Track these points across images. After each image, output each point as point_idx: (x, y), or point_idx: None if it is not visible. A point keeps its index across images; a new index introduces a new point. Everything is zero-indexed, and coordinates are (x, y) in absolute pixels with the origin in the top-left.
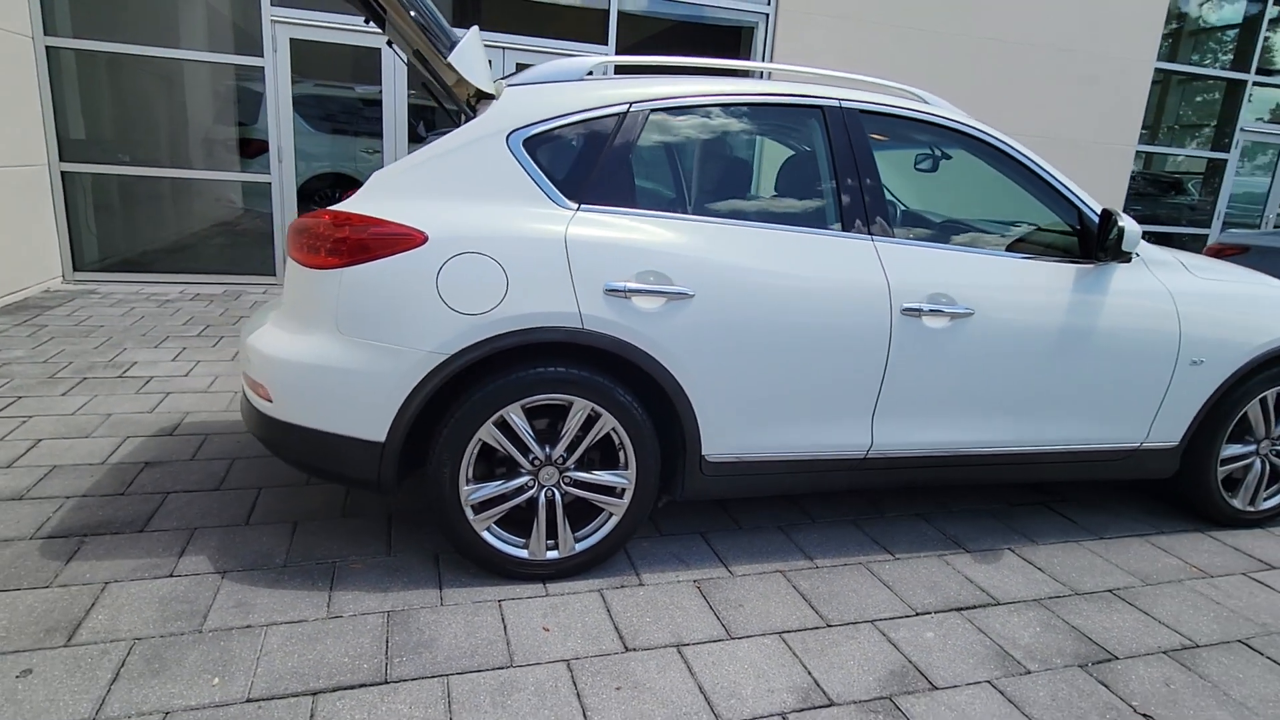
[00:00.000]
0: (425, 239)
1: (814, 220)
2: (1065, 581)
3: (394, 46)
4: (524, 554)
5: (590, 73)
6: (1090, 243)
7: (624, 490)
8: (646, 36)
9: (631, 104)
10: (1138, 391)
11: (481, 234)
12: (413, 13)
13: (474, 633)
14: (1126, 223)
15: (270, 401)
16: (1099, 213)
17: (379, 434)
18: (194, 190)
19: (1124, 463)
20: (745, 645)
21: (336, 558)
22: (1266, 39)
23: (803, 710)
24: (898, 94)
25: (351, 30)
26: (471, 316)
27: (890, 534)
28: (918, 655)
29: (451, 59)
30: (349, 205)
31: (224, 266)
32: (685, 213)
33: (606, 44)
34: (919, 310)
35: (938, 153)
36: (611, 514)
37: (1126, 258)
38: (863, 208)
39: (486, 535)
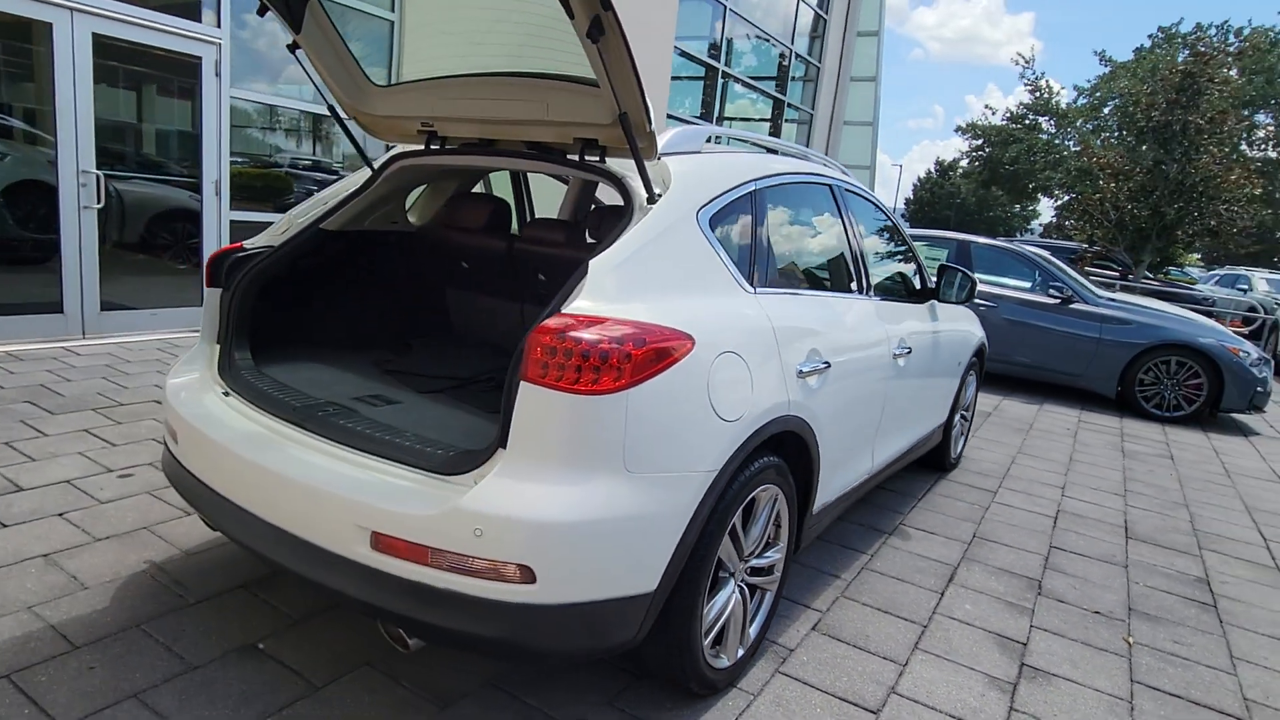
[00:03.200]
0: (694, 343)
1: (848, 285)
2: (952, 536)
3: (298, 54)
4: (726, 661)
5: (708, 141)
6: (925, 289)
7: (775, 565)
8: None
9: (756, 180)
10: (946, 389)
11: (729, 330)
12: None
13: None
14: (976, 278)
15: (533, 584)
16: (936, 269)
17: (650, 583)
18: None
19: (930, 441)
20: (918, 666)
21: None
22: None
23: (1009, 697)
24: (823, 162)
25: None
26: (734, 423)
27: (840, 535)
28: (988, 625)
29: (654, 127)
30: (592, 306)
31: None
32: (803, 287)
33: (200, 20)
34: (898, 353)
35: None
36: (767, 592)
37: (971, 302)
38: (866, 272)
39: (708, 655)
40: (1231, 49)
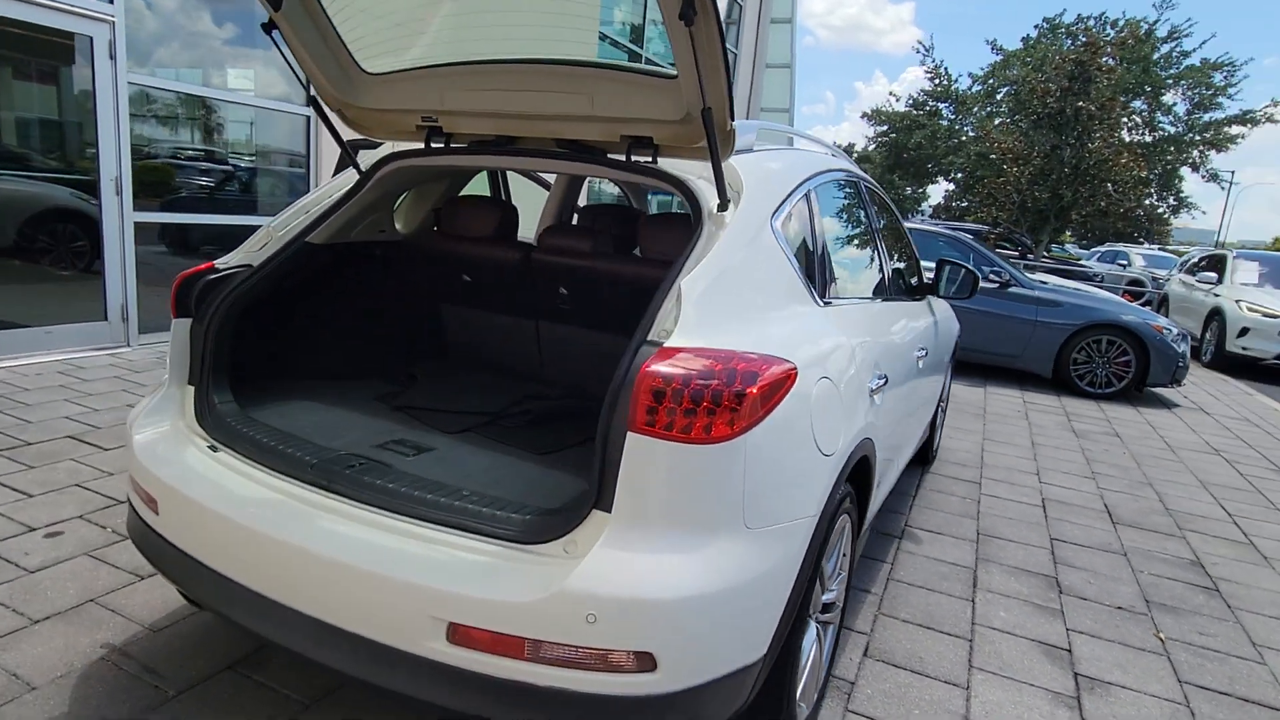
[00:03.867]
0: (797, 372)
1: (882, 288)
2: (959, 535)
3: (273, 34)
4: (805, 709)
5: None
6: (923, 285)
7: (839, 598)
8: None
9: (809, 180)
10: (940, 384)
11: (818, 351)
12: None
13: None
14: (977, 273)
15: (653, 672)
16: (933, 265)
17: (759, 650)
18: None
19: (924, 438)
20: (981, 687)
21: None
22: None
23: (1078, 714)
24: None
25: None
26: (831, 456)
27: None
28: (1028, 632)
29: (735, 125)
30: (692, 337)
31: None
32: (854, 295)
33: None
34: (918, 355)
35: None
36: (831, 625)
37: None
38: (891, 273)
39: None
40: (1110, 39)
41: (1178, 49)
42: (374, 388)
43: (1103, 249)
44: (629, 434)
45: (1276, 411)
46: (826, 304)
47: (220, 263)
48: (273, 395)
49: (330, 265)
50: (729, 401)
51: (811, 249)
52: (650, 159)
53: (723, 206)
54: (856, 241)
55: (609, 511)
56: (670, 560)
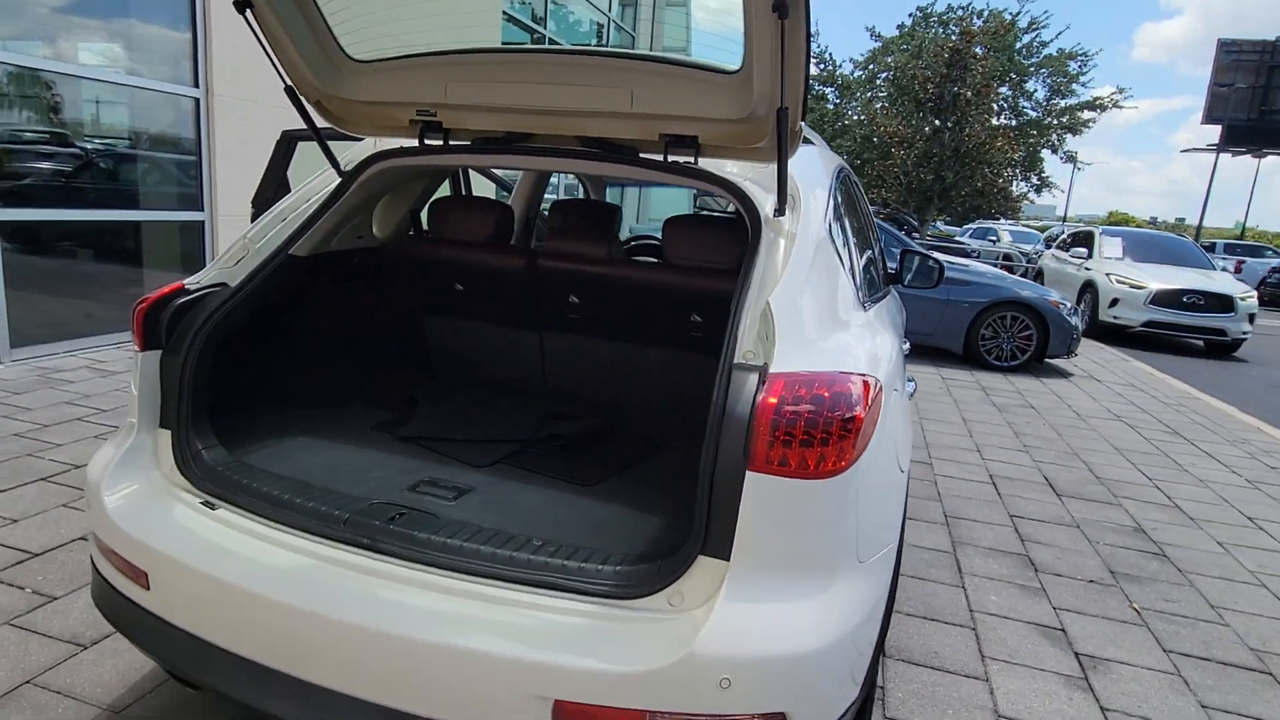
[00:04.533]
0: (882, 388)
1: (883, 283)
2: (930, 520)
3: (250, 13)
4: None
5: None
6: (887, 274)
7: None
8: None
9: (834, 176)
10: None
11: (881, 363)
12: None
13: None
14: (943, 262)
15: None
16: (899, 253)
17: (860, 683)
18: None
19: None
20: (999, 678)
21: None
22: None
23: (1092, 696)
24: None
25: None
26: (904, 473)
27: None
28: (1022, 615)
29: (803, 125)
30: (791, 360)
31: None
32: (876, 296)
33: None
34: (905, 347)
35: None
36: None
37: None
38: (885, 266)
39: None
40: (979, 29)
41: (1037, 39)
42: (367, 416)
43: (973, 226)
44: (748, 474)
45: (1153, 376)
46: (868, 309)
47: (190, 282)
48: (256, 432)
49: (312, 279)
50: (839, 429)
51: (848, 252)
52: (691, 159)
53: (779, 211)
54: (865, 239)
55: (724, 559)
56: (797, 609)
